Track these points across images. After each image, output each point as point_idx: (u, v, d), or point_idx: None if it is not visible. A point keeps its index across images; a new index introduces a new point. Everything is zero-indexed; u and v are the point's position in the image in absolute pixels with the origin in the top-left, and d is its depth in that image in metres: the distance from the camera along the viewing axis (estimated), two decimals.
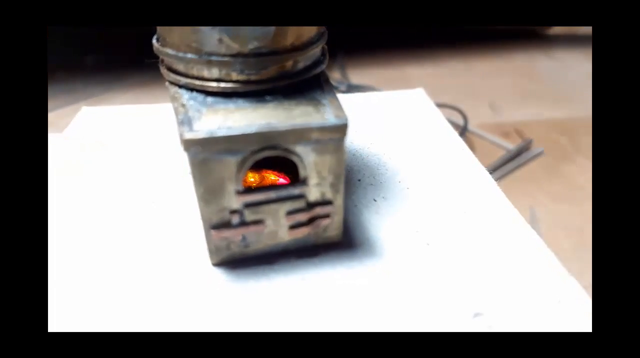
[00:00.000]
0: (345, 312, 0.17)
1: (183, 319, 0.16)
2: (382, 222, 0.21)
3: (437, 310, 0.17)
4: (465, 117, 0.53)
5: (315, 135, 0.17)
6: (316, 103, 0.18)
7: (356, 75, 0.71)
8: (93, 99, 0.65)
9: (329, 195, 0.18)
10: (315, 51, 0.20)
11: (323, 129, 0.17)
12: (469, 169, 0.25)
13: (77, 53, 0.79)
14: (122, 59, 0.76)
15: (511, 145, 0.51)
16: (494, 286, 0.18)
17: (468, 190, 0.23)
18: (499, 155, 0.50)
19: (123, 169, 0.25)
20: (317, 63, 0.20)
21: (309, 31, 0.19)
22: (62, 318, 0.17)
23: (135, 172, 0.24)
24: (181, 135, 0.16)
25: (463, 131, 0.51)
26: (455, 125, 0.54)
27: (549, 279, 0.18)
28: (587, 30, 1.05)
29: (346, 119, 0.17)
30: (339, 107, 0.18)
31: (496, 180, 0.46)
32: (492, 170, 0.47)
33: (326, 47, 0.21)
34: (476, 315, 0.16)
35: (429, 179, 0.24)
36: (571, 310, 0.17)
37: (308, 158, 0.17)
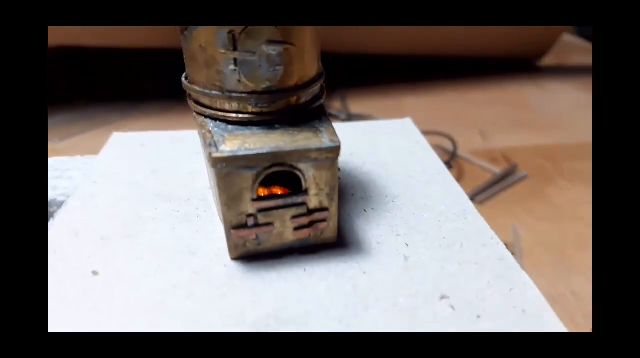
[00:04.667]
0: (337, 295, 0.21)
1: (207, 302, 0.20)
2: (370, 228, 0.25)
3: (409, 293, 0.21)
4: (454, 143, 0.58)
5: (314, 155, 0.21)
6: (315, 130, 0.22)
7: (356, 105, 0.76)
8: (112, 125, 0.71)
9: (325, 203, 0.23)
10: (315, 89, 0.24)
11: (320, 150, 0.21)
12: (446, 186, 0.29)
13: (96, 83, 0.85)
14: (138, 89, 0.82)
15: (498, 169, 0.55)
16: (460, 278, 0.22)
17: (443, 204, 0.27)
18: (486, 178, 0.55)
19: (151, 185, 0.29)
20: (316, 98, 0.24)
21: (310, 73, 0.24)
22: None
23: (161, 188, 0.29)
24: (210, 154, 0.20)
25: (452, 156, 0.56)
26: (446, 150, 0.59)
27: (518, 291, 0.21)
28: (577, 61, 1.11)
29: (339, 142, 0.21)
30: (333, 133, 0.22)
31: (483, 200, 0.50)
32: (480, 191, 0.51)
33: (324, 84, 0.26)
34: (442, 297, 0.20)
35: (410, 194, 0.28)
36: (534, 319, 0.20)
37: (308, 173, 0.22)
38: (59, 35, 0.72)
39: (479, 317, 0.20)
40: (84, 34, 0.72)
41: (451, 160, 0.55)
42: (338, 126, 0.38)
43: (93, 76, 0.87)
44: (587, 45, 1.22)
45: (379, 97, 0.80)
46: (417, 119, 0.73)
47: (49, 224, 0.27)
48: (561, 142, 0.66)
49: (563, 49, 1.16)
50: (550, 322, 0.20)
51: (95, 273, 0.22)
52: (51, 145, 0.61)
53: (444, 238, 0.24)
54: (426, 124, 0.69)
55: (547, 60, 1.07)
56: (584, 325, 0.36)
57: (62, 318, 0.19)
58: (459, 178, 0.55)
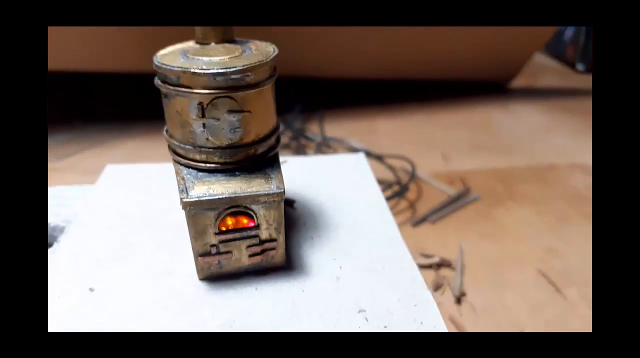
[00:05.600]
0: (279, 309, 0.27)
1: (178, 313, 0.26)
2: (313, 253, 0.31)
3: (334, 307, 0.27)
4: (413, 166, 0.64)
5: (263, 199, 0.27)
6: (267, 177, 0.28)
7: (332, 127, 0.82)
8: (106, 144, 0.76)
9: (274, 235, 0.29)
10: (270, 141, 0.30)
11: (268, 194, 0.27)
12: (381, 217, 0.35)
13: (91, 106, 0.91)
14: (129, 111, 0.88)
15: (452, 191, 0.62)
16: (377, 295, 0.28)
17: (375, 232, 0.33)
18: (442, 199, 0.61)
19: (137, 215, 0.35)
20: (271, 148, 0.30)
21: (265, 130, 0.30)
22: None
23: (145, 217, 0.35)
24: (181, 199, 0.26)
25: (411, 178, 0.62)
26: (408, 172, 0.65)
27: (420, 307, 0.27)
28: (545, 83, 1.18)
29: (283, 189, 0.27)
30: (281, 180, 0.28)
31: (435, 220, 0.56)
32: (433, 212, 0.57)
33: (280, 136, 0.32)
34: (360, 311, 0.27)
35: (350, 224, 0.34)
36: (424, 312, 0.26)
37: (260, 212, 0.28)
38: (58, 60, 0.77)
39: (385, 326, 0.26)
40: (81, 60, 0.78)
41: (409, 182, 0.62)
42: (300, 160, 0.44)
43: (88, 99, 0.93)
44: (558, 66, 1.29)
45: (354, 120, 0.86)
46: (387, 141, 0.80)
47: (54, 248, 0.33)
48: (516, 165, 0.72)
49: (534, 70, 1.23)
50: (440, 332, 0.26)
51: (91, 290, 0.28)
52: (51, 165, 0.67)
53: (371, 261, 0.30)
54: (394, 146, 0.76)
55: (517, 82, 1.14)
56: (506, 331, 0.42)
57: (64, 326, 0.25)
58: (417, 199, 0.61)
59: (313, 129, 0.81)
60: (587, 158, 0.74)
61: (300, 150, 0.72)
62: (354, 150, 0.71)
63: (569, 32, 1.25)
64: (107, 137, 0.79)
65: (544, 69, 1.26)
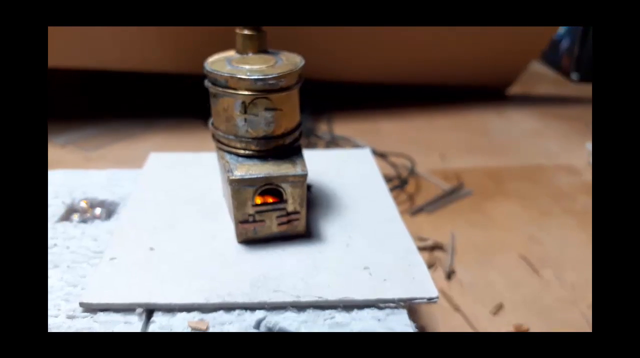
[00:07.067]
0: (302, 265, 0.34)
1: (223, 267, 0.34)
2: (329, 225, 0.38)
3: (345, 265, 0.34)
4: (412, 163, 0.71)
5: (290, 179, 0.34)
6: (293, 162, 0.35)
7: (340, 127, 0.89)
8: (134, 138, 0.84)
9: (298, 208, 0.36)
10: (295, 134, 0.37)
11: (295, 176, 0.34)
12: (383, 201, 0.42)
13: (120, 102, 0.98)
14: (155, 107, 0.95)
15: (447, 186, 0.69)
16: (379, 257, 0.35)
17: (379, 212, 0.40)
18: (438, 193, 0.68)
19: (181, 194, 0.42)
20: (295, 140, 0.38)
21: (292, 125, 0.37)
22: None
23: (188, 196, 0.42)
24: (228, 177, 0.33)
25: (410, 173, 0.69)
26: (407, 168, 0.72)
27: (413, 267, 0.35)
28: (540, 90, 1.25)
29: (306, 171, 0.34)
30: (304, 164, 0.35)
31: (432, 211, 0.64)
32: (430, 203, 0.64)
33: (302, 131, 0.39)
34: (365, 268, 0.34)
35: (358, 205, 0.41)
36: (419, 282, 0.33)
37: (287, 189, 0.35)
38: (90, 60, 0.85)
39: (385, 280, 0.33)
40: (111, 59, 0.85)
41: (408, 177, 0.69)
42: (316, 153, 0.51)
43: (118, 95, 1.00)
44: (553, 75, 1.36)
45: (360, 121, 0.94)
46: (390, 140, 0.87)
47: (115, 218, 0.40)
48: (507, 165, 0.79)
49: (530, 78, 1.30)
50: (427, 285, 0.33)
51: (151, 249, 0.35)
52: (87, 154, 0.75)
53: (374, 233, 0.37)
54: (397, 146, 0.83)
55: (514, 89, 1.21)
56: (488, 303, 0.49)
57: (135, 274, 0.33)
58: (416, 192, 0.68)
59: (322, 128, 0.88)
60: (572, 160, 0.81)
61: (311, 148, 0.79)
62: (360, 147, 0.78)
63: (565, 42, 1.32)
64: (134, 132, 0.86)
65: (540, 77, 1.33)
